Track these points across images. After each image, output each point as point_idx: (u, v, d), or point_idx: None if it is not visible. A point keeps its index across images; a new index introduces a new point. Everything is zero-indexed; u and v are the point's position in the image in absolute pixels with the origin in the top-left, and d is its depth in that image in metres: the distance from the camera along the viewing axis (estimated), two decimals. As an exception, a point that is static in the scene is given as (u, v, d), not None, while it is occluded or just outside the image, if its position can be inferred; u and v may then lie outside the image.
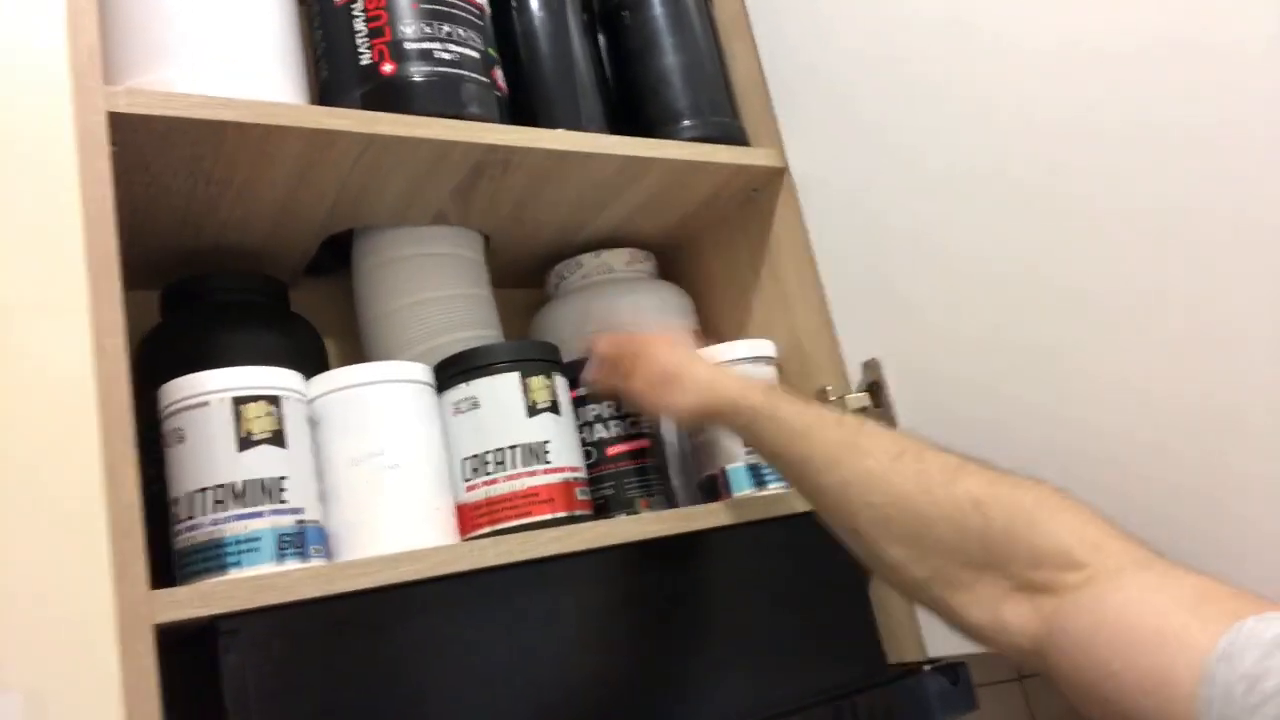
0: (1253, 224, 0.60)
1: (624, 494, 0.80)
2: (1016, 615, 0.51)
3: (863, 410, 0.87)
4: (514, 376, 0.74)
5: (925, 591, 0.57)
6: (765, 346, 0.92)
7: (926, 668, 0.82)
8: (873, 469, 0.59)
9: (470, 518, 0.71)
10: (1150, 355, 0.65)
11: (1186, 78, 0.63)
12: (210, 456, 0.62)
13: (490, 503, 0.71)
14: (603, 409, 0.81)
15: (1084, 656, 0.46)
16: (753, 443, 0.69)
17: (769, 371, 0.91)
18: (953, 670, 0.82)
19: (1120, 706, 0.44)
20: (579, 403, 0.81)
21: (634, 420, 0.82)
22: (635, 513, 0.78)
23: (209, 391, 0.63)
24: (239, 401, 0.63)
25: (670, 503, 0.84)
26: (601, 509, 0.78)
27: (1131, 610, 0.46)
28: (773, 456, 0.67)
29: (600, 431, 0.81)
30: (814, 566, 0.67)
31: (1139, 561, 0.49)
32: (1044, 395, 0.73)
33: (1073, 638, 0.47)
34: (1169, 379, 0.64)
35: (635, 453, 0.81)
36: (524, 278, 1.05)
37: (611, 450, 0.80)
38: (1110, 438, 0.68)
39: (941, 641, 0.81)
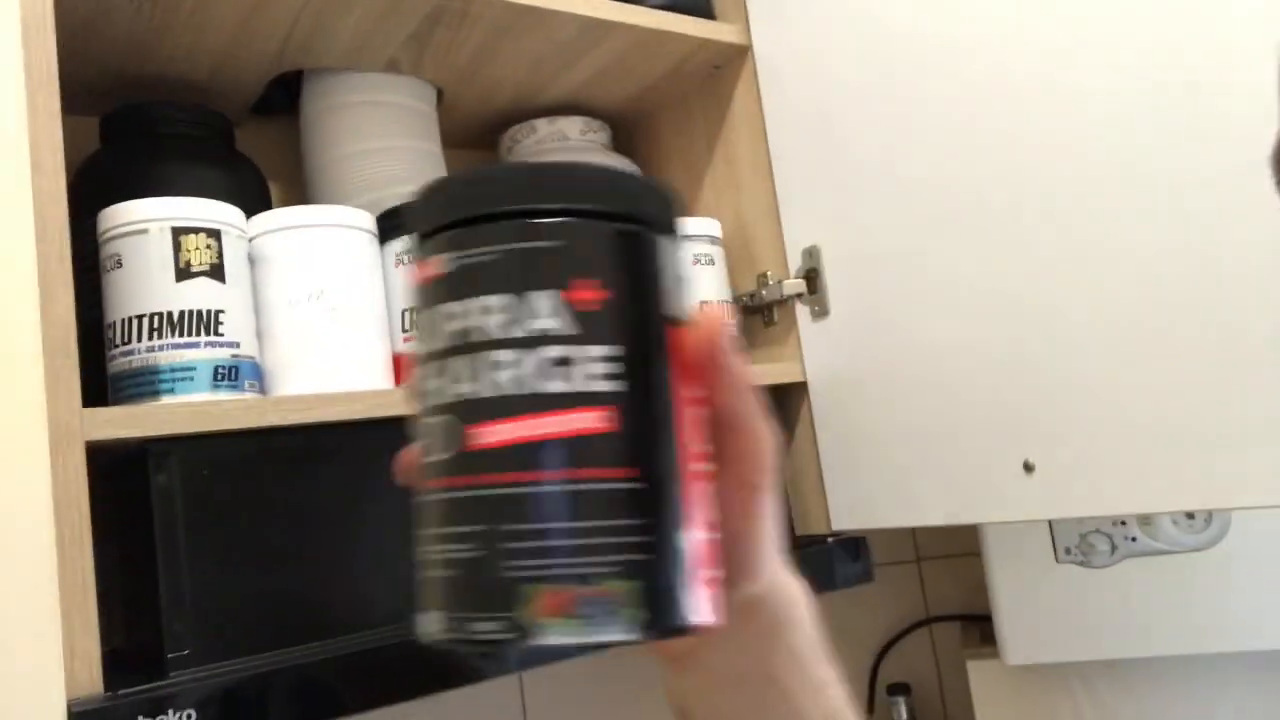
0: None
1: None
2: None
3: (797, 296, 0.90)
4: (457, 232, 0.74)
5: None
6: (712, 225, 0.94)
7: (830, 540, 0.87)
8: None
9: (408, 368, 0.73)
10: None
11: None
12: (147, 284, 0.62)
13: (426, 354, 0.72)
14: None
15: None
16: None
17: (715, 250, 0.93)
18: (854, 544, 0.88)
19: None
20: None
21: None
22: None
23: (148, 219, 0.63)
24: (179, 232, 0.63)
25: None
26: None
27: None
28: None
29: None
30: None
31: None
32: (971, 296, 0.76)
33: None
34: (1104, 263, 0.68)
35: None
36: (477, 139, 1.04)
37: None
38: (1055, 334, 0.72)
39: (846, 516, 0.86)
